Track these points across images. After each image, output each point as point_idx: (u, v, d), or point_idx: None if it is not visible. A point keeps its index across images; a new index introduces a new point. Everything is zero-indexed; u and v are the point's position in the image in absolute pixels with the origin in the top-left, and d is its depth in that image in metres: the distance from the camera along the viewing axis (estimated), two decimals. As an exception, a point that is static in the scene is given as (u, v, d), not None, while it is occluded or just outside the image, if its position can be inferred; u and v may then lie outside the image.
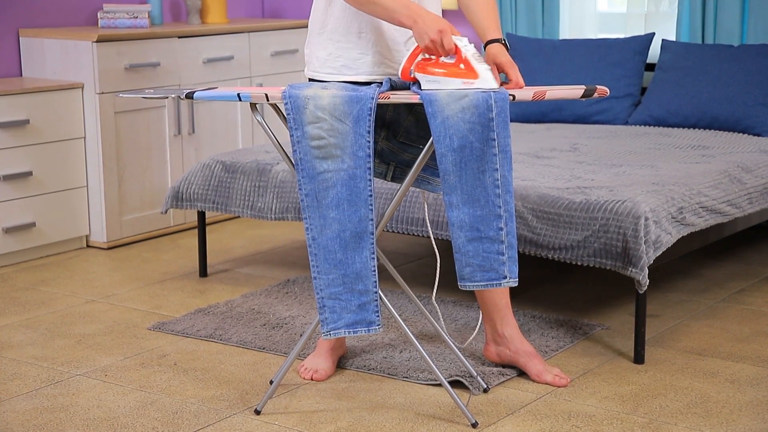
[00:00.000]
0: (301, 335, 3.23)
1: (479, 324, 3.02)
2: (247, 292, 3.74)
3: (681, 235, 3.13)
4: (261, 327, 3.35)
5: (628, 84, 4.47)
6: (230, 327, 3.36)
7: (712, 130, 4.24)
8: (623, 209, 3.03)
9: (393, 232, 3.44)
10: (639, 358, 3.04)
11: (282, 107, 2.61)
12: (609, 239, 3.02)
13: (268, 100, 2.60)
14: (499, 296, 2.92)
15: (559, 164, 3.61)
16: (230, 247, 4.44)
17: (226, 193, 3.82)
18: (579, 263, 3.10)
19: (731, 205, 3.37)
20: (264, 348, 3.17)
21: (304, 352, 3.09)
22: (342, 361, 3.03)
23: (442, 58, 2.55)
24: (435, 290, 2.89)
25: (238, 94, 2.63)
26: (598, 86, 2.56)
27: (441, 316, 2.88)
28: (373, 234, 2.57)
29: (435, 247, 2.86)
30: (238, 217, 4.49)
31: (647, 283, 2.96)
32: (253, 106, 2.69)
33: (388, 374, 2.95)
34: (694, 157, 3.73)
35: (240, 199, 3.77)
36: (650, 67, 4.59)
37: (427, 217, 2.87)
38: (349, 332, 2.60)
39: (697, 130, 4.25)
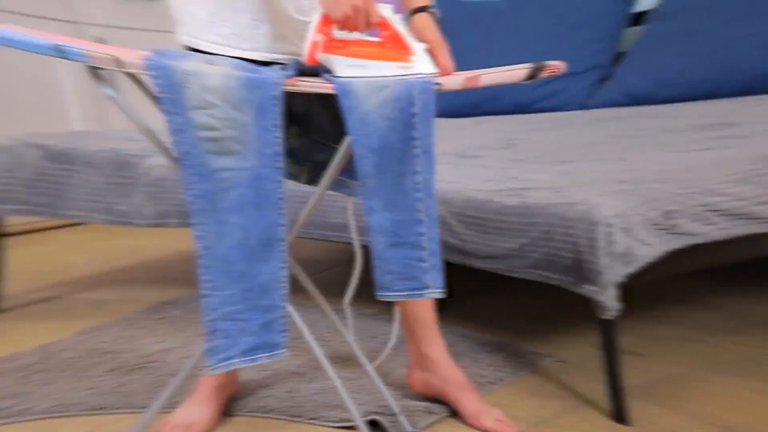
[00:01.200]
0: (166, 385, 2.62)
1: (392, 338, 2.61)
2: (85, 327, 3.09)
3: (671, 248, 2.47)
4: (104, 374, 2.70)
5: (594, 52, 3.52)
6: (41, 386, 2.59)
7: (729, 99, 3.19)
8: (572, 213, 2.54)
9: (307, 238, 3.01)
10: (619, 417, 2.31)
11: (146, 80, 2.02)
12: (553, 249, 2.57)
13: (120, 66, 1.92)
14: (423, 309, 2.49)
15: (491, 164, 3.16)
16: (62, 266, 3.74)
17: (55, 191, 3.22)
18: (515, 275, 2.66)
19: (765, 204, 2.57)
20: (102, 408, 2.47)
21: (172, 401, 2.46)
22: (230, 405, 2.50)
23: (359, 34, 2.10)
24: (350, 293, 2.42)
25: (58, 46, 1.83)
26: (547, 62, 2.10)
27: (351, 326, 2.45)
28: (284, 240, 2.13)
29: (356, 243, 2.41)
30: (81, 223, 3.87)
31: (616, 308, 2.31)
32: (95, 72, 1.91)
33: (291, 416, 2.44)
34: (700, 142, 2.95)
35: (83, 199, 3.20)
36: (636, 24, 3.52)
37: (350, 217, 2.45)
38: (246, 362, 2.13)
39: (705, 102, 3.24)
